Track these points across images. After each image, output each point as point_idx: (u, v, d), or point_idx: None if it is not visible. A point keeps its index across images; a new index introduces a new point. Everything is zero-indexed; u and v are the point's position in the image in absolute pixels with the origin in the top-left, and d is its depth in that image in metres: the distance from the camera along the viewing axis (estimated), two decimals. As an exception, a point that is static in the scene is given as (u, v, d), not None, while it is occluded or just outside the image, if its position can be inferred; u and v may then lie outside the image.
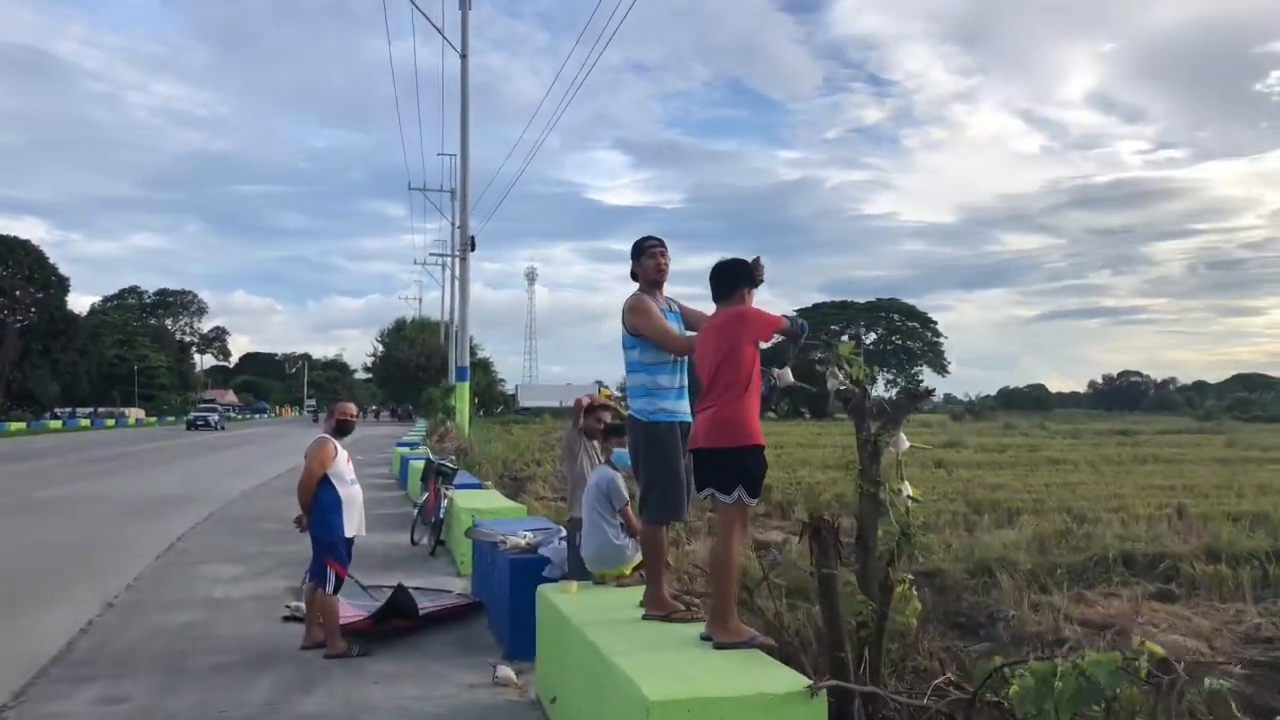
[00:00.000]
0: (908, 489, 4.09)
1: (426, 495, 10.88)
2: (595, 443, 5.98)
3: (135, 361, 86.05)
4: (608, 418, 5.99)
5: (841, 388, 4.16)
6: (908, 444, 4.16)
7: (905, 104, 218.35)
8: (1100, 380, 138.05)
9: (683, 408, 4.77)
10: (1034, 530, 12.44)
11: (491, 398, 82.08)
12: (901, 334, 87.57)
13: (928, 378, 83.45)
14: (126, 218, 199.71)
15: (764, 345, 4.24)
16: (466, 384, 27.12)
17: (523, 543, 6.24)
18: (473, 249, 26.93)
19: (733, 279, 4.30)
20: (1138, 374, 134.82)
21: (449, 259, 45.02)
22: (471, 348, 32.11)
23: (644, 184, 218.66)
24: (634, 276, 5.00)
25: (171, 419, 77.01)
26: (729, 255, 4.43)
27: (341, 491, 6.13)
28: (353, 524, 6.16)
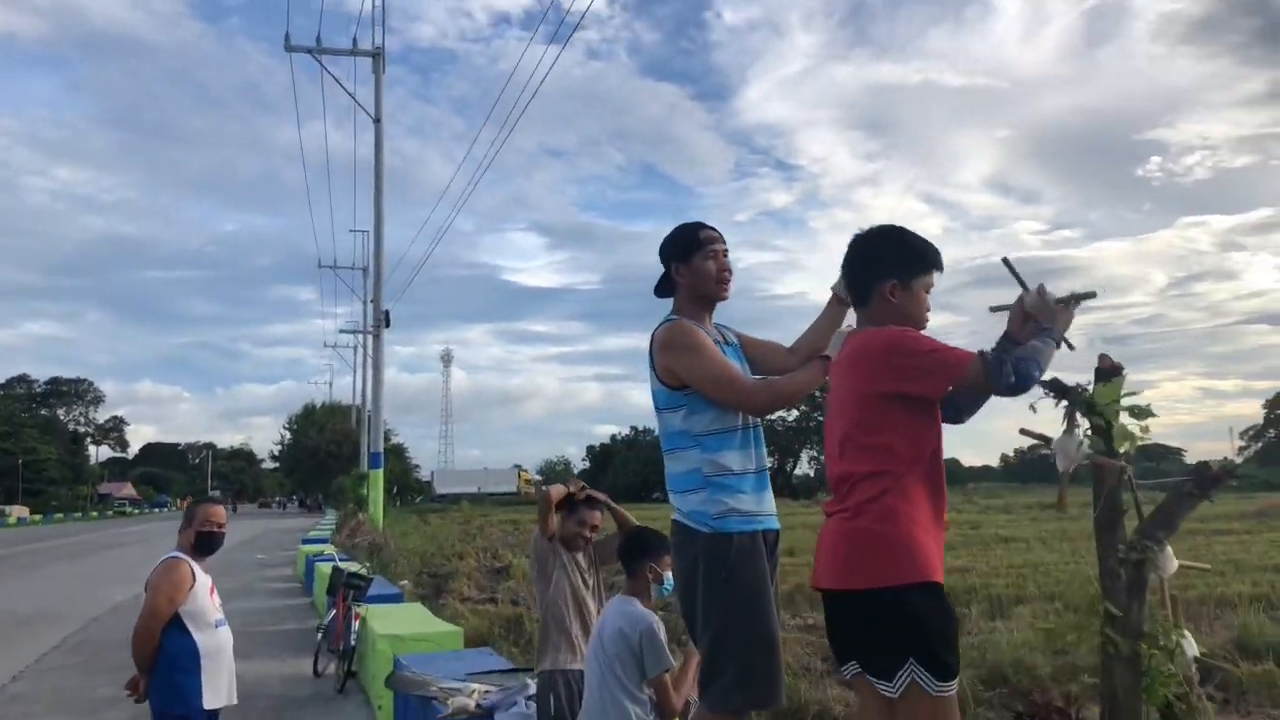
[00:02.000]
0: (1191, 645, 2.39)
1: (333, 613, 8.79)
2: (580, 556, 4.14)
3: (20, 455, 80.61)
4: (596, 519, 4.16)
5: (1086, 460, 2.59)
6: (1176, 564, 2.47)
7: (812, 187, 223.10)
8: (1011, 454, 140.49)
9: (766, 505, 3.04)
10: (1031, 623, 10.97)
11: (407, 485, 78.95)
12: (821, 410, 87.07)
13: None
14: (21, 305, 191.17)
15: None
16: (380, 471, 24.87)
17: (471, 704, 4.30)
18: (387, 325, 25.02)
19: (892, 259, 2.64)
20: (1045, 446, 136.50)
21: (361, 335, 42.69)
22: (386, 433, 29.88)
23: (561, 265, 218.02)
24: (665, 290, 3.25)
25: (60, 516, 71.83)
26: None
27: (200, 639, 4.13)
28: (218, 690, 4.15)
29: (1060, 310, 2.53)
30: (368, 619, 7.87)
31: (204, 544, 4.34)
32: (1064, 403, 2.74)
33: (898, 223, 2.72)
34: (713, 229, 3.21)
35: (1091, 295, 2.56)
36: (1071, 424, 2.72)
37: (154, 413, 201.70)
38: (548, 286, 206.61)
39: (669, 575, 3.47)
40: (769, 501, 3.07)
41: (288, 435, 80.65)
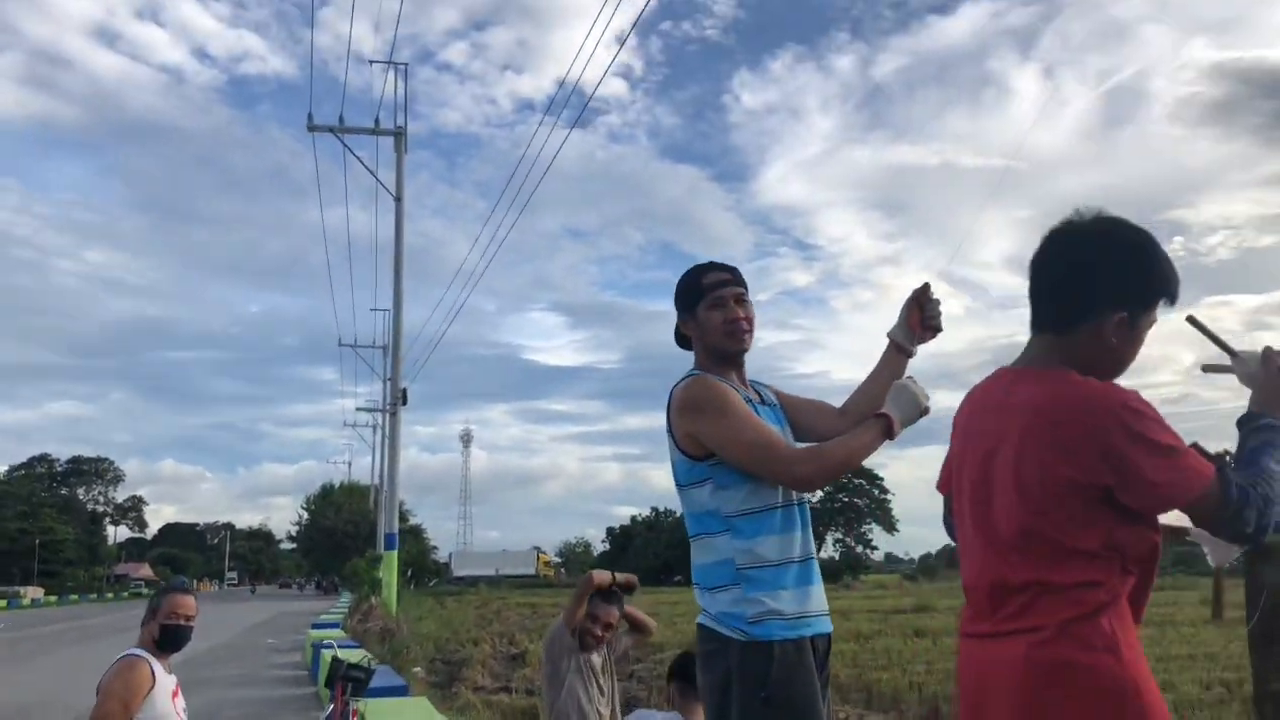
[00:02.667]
0: None
1: (330, 709, 8.17)
2: (595, 657, 3.58)
3: (38, 534, 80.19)
4: (613, 617, 3.59)
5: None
6: None
7: (832, 267, 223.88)
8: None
9: (815, 603, 2.49)
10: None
11: (423, 567, 77.87)
12: (847, 491, 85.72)
13: (877, 536, 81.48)
14: (47, 386, 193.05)
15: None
16: (395, 553, 24.25)
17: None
18: (404, 403, 24.70)
19: (1136, 281, 1.86)
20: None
21: (379, 413, 42.37)
22: (402, 513, 29.42)
23: (581, 344, 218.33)
24: (682, 342, 2.77)
25: (75, 597, 71.04)
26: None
27: (158, 753, 3.62)
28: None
29: None
30: (366, 716, 7.27)
31: (168, 639, 3.82)
32: None
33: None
34: (723, 269, 2.71)
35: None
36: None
37: (176, 492, 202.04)
38: (568, 365, 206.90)
39: None
40: (818, 597, 2.51)
41: (305, 515, 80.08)
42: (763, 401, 2.69)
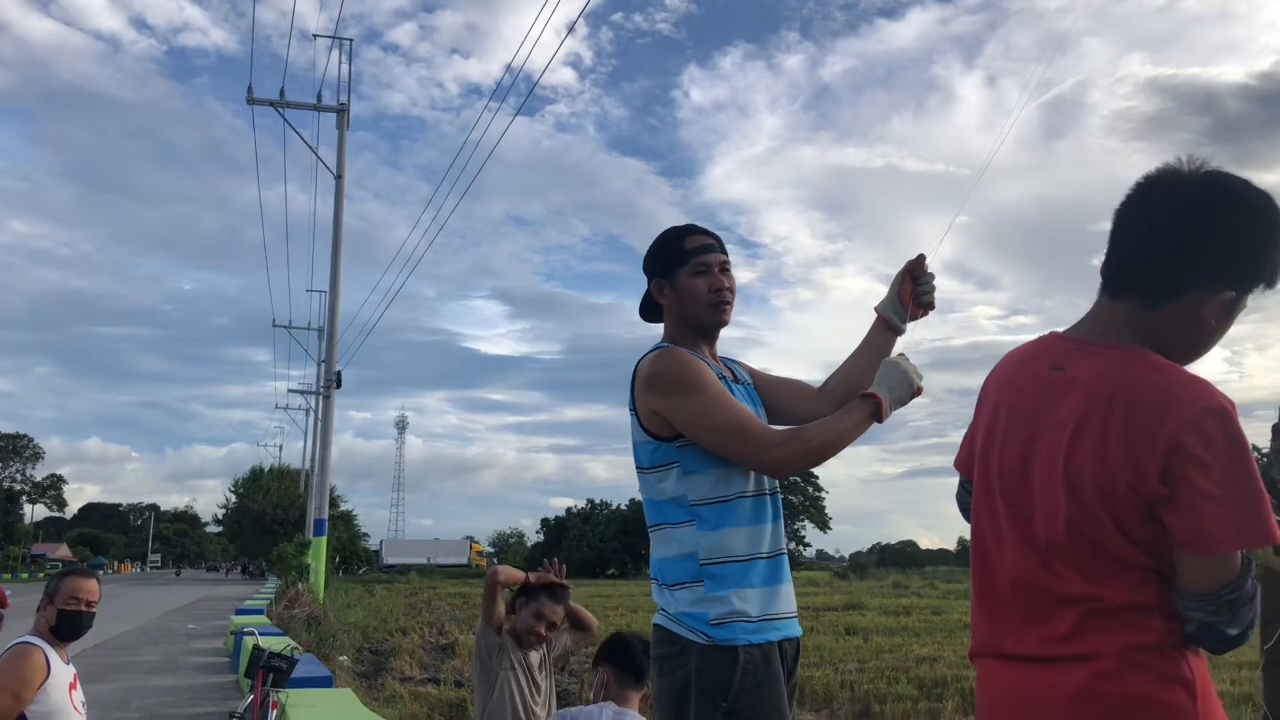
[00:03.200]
0: None
1: (250, 700, 7.83)
2: (533, 655, 3.36)
3: (-49, 512, 77.58)
4: (559, 615, 3.37)
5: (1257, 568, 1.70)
6: None
7: (774, 265, 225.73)
8: (967, 537, 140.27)
9: (784, 604, 2.29)
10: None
11: (354, 554, 76.72)
12: (782, 488, 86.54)
13: (810, 533, 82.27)
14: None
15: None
16: (324, 539, 23.72)
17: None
18: (338, 386, 24.13)
19: (1247, 256, 1.53)
20: None
21: (311, 396, 41.50)
22: (333, 499, 28.84)
23: (522, 334, 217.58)
24: (650, 313, 2.53)
25: (-12, 576, 68.84)
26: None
27: (53, 748, 3.32)
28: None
29: None
30: (287, 708, 6.96)
31: (66, 627, 3.52)
32: None
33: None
34: (705, 233, 2.47)
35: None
36: None
37: (101, 472, 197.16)
38: (508, 355, 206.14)
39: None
40: (788, 597, 2.30)
41: (233, 498, 78.39)
42: (735, 379, 2.47)
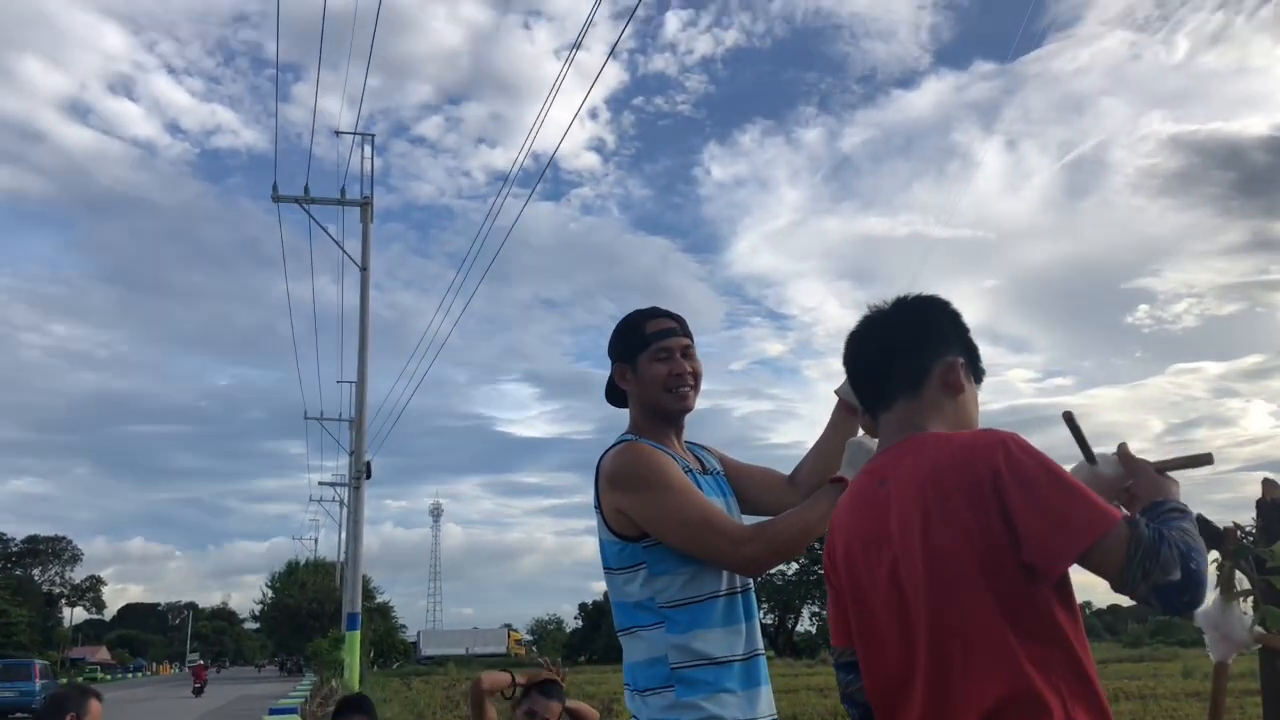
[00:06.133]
0: None
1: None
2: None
3: (-11, 618, 77.88)
4: (552, 711, 3.18)
5: (1255, 645, 1.74)
6: None
7: (805, 336, 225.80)
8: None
9: (762, 707, 2.17)
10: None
11: (391, 646, 76.02)
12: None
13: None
14: (7, 463, 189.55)
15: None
16: (357, 633, 23.45)
17: None
18: (368, 477, 24.10)
19: (955, 333, 1.82)
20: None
21: (343, 487, 41.55)
22: (369, 590, 28.60)
23: (553, 415, 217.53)
24: (616, 397, 2.49)
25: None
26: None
27: None
28: None
29: (1165, 481, 1.68)
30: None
31: None
32: (1214, 555, 1.86)
33: None
34: (668, 316, 2.40)
35: (1207, 460, 1.75)
36: (1230, 588, 1.84)
37: (144, 571, 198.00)
38: (540, 436, 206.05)
39: None
40: (767, 700, 2.20)
41: (269, 593, 78.21)
42: (704, 470, 2.38)
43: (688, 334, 2.40)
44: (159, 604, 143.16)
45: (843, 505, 1.80)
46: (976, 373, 1.84)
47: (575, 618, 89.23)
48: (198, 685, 43.06)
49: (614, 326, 2.46)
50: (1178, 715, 17.46)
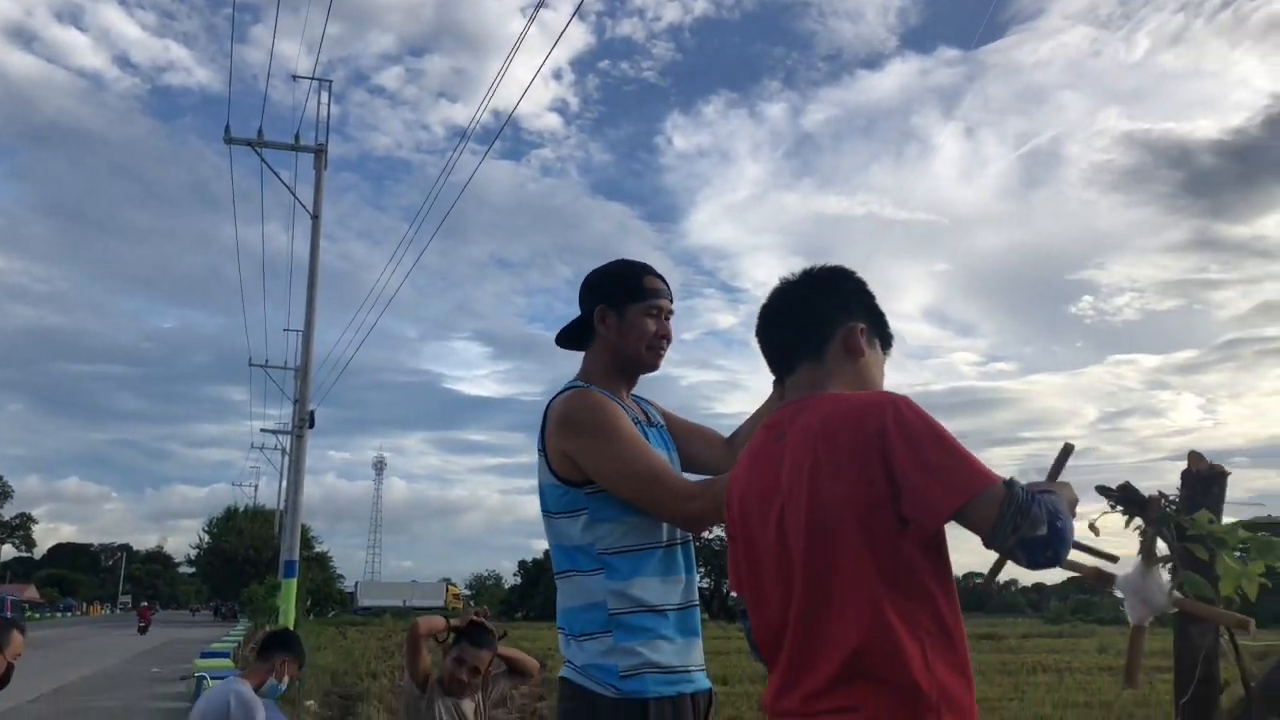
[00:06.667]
0: None
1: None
2: (465, 703, 3.32)
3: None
4: (481, 659, 3.33)
5: (1173, 609, 1.85)
6: None
7: (756, 310, 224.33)
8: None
9: (695, 657, 2.23)
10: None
11: (328, 596, 75.70)
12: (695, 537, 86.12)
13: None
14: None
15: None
16: (294, 581, 23.38)
17: None
18: (311, 426, 23.91)
19: (860, 301, 1.92)
20: (979, 575, 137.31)
21: (285, 436, 41.17)
22: (308, 540, 28.54)
23: (504, 375, 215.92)
24: (574, 339, 2.48)
25: (-48, 618, 67.47)
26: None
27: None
28: None
29: (1063, 485, 1.79)
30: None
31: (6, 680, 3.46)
32: (1138, 521, 1.98)
33: None
34: (662, 279, 2.42)
35: (1069, 449, 1.96)
36: (1151, 554, 1.95)
37: (80, 511, 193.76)
38: (489, 396, 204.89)
39: (285, 682, 4.00)
40: (698, 652, 2.25)
41: (206, 538, 77.45)
42: (650, 422, 2.43)
43: (672, 299, 2.44)
44: (91, 545, 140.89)
45: (743, 459, 1.89)
46: (884, 339, 1.94)
47: (515, 574, 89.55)
48: (143, 624, 46.23)
49: (601, 269, 2.45)
50: (1091, 688, 18.18)
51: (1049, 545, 1.54)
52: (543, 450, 2.30)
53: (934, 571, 1.63)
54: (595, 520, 2.21)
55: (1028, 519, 1.52)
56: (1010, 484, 1.56)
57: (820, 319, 1.87)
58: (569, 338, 2.48)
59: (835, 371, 1.83)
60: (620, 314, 2.37)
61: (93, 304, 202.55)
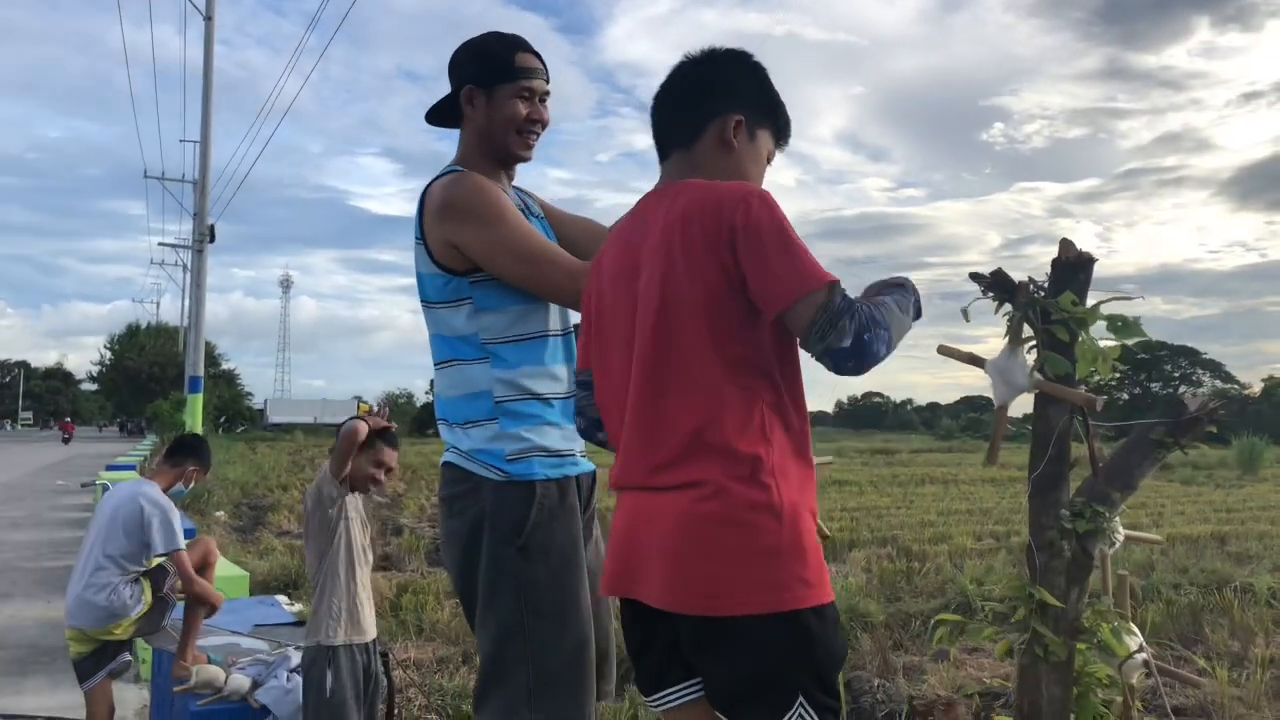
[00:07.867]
0: (1140, 644, 1.84)
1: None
2: (361, 502, 3.35)
3: None
4: (393, 459, 3.35)
5: (1035, 389, 1.98)
6: (1123, 535, 1.90)
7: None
8: (845, 401, 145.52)
9: (578, 442, 2.22)
10: (867, 569, 10.81)
11: (238, 413, 75.42)
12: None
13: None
14: None
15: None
16: (199, 396, 23.19)
17: (220, 676, 3.48)
18: (211, 240, 23.22)
19: (745, 89, 1.85)
20: (880, 395, 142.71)
21: (185, 250, 39.88)
22: (214, 357, 28.13)
23: (413, 193, 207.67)
24: (441, 117, 2.35)
25: None
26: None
27: None
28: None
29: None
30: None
31: None
32: (1007, 306, 2.04)
33: None
34: (537, 56, 2.26)
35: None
36: (1017, 337, 2.03)
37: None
38: (399, 215, 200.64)
39: (191, 486, 4.15)
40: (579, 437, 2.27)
41: (109, 355, 75.85)
42: (530, 212, 2.33)
43: (548, 80, 2.28)
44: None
45: (609, 241, 1.90)
46: (777, 134, 1.90)
47: (426, 393, 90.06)
48: (66, 436, 53.35)
49: (469, 42, 2.28)
50: (974, 497, 19.34)
51: (850, 357, 1.59)
52: (421, 239, 2.22)
53: (780, 353, 1.70)
54: (480, 309, 2.16)
55: (834, 329, 1.57)
56: (831, 289, 1.59)
57: (695, 107, 1.83)
58: (440, 114, 2.35)
59: (703, 164, 1.81)
60: (488, 95, 2.23)
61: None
